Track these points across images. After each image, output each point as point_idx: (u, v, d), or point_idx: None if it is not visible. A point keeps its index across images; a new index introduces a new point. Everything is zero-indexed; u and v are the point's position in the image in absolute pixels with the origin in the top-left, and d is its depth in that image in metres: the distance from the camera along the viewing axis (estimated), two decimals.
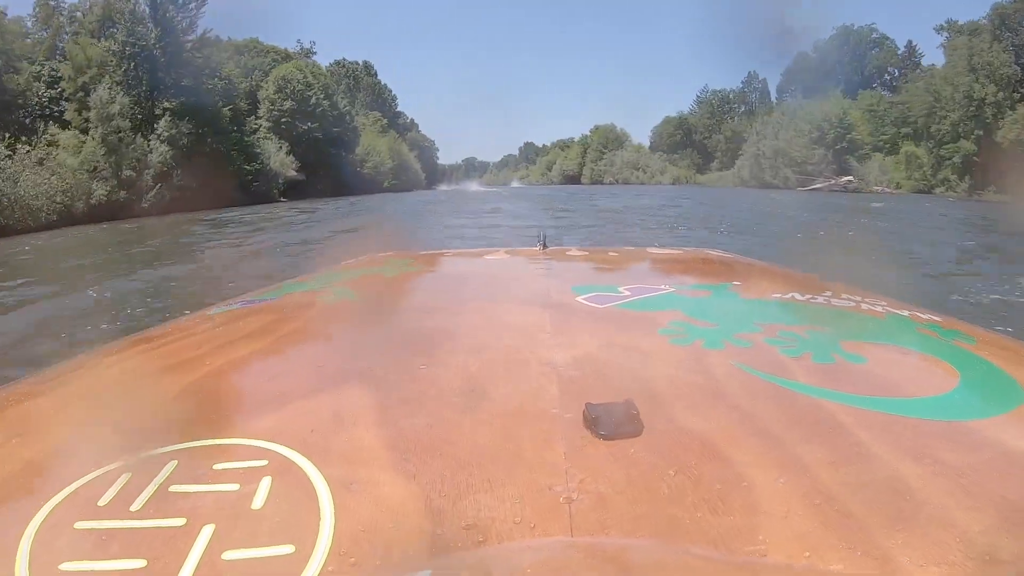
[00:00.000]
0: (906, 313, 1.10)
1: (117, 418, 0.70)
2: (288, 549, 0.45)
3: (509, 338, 0.94)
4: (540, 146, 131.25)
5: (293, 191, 38.58)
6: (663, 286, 1.27)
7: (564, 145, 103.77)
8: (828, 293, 1.18)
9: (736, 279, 1.46)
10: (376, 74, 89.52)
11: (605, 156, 79.56)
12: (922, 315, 1.10)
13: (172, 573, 0.43)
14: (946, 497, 0.50)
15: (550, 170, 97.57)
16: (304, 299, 1.34)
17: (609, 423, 0.60)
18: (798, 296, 1.16)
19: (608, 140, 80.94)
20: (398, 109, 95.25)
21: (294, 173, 39.66)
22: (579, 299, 1.11)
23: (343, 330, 1.09)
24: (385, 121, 64.50)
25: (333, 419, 0.64)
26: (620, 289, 1.20)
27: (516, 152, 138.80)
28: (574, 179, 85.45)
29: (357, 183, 45.58)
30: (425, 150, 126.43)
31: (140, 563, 0.44)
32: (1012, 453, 0.58)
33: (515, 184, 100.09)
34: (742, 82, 77.26)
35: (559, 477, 0.53)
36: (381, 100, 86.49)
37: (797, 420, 0.64)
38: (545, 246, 1.86)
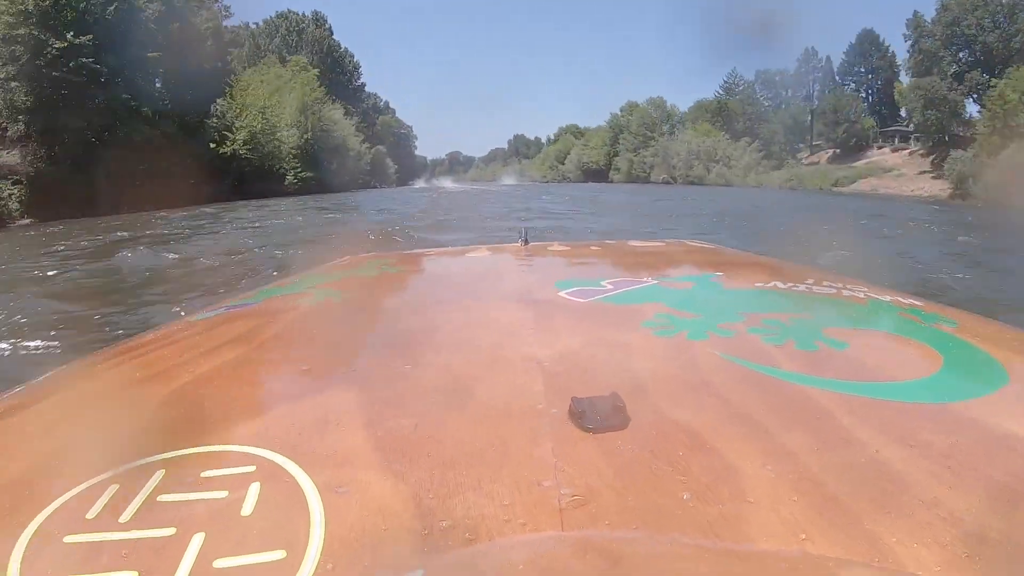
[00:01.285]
0: (887, 298, 1.11)
1: (102, 429, 0.70)
2: (279, 555, 0.45)
3: (493, 335, 0.95)
4: (532, 139, 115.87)
5: (55, 202, 15.32)
6: (646, 279, 1.30)
7: (578, 132, 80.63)
8: (810, 281, 1.20)
9: (718, 270, 1.47)
10: (331, 31, 65.51)
11: (653, 143, 56.23)
12: (903, 300, 1.10)
13: None
14: (932, 479, 0.51)
15: (562, 163, 74.25)
16: (286, 302, 1.34)
17: (595, 417, 0.60)
18: (780, 285, 1.18)
19: (653, 123, 57.80)
20: (362, 82, 71.37)
21: None
22: (562, 294, 1.12)
23: (326, 332, 1.07)
24: (314, 72, 39.70)
25: (319, 422, 0.64)
26: (603, 283, 1.21)
27: (505, 145, 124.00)
28: (598, 175, 62.59)
29: (215, 177, 22.21)
30: (401, 138, 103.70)
31: (132, 574, 0.44)
32: (996, 434, 0.59)
33: (508, 181, 77.54)
34: (797, 60, 56.06)
35: (547, 472, 0.53)
36: (334, 63, 62.71)
37: (782, 407, 0.64)
38: (527, 242, 1.85)
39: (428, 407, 0.67)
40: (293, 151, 34.01)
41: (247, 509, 0.49)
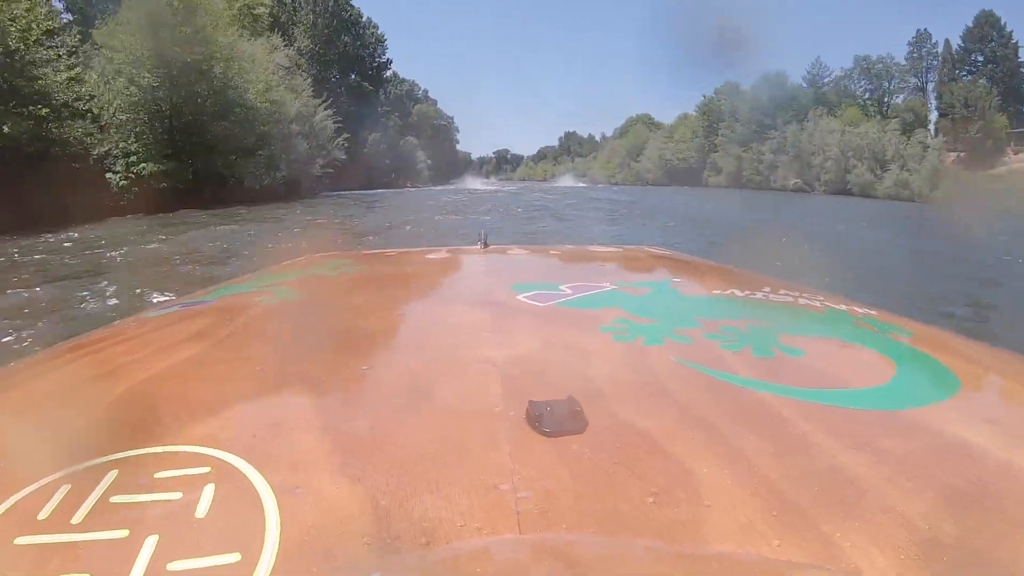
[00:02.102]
0: (843, 307, 1.11)
1: (54, 428, 0.68)
2: (234, 557, 0.44)
3: (451, 337, 0.96)
4: (586, 136, 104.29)
5: None
6: (604, 284, 1.28)
7: (651, 123, 65.34)
8: (767, 289, 1.19)
9: (676, 276, 1.47)
10: None
11: (771, 135, 40.59)
12: (859, 309, 1.11)
13: None
14: (887, 484, 0.52)
15: (636, 160, 59.13)
16: (243, 301, 1.31)
17: (553, 420, 0.60)
18: (737, 292, 1.18)
19: (771, 108, 42.15)
20: (387, 58, 57.85)
21: None
22: (520, 297, 1.12)
23: (283, 332, 1.06)
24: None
25: (275, 423, 0.64)
26: (561, 287, 1.20)
27: (555, 143, 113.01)
28: (687, 177, 47.44)
29: None
30: (441, 131, 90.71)
31: None
32: (949, 440, 0.60)
33: (565, 182, 63.49)
34: (909, 43, 44.94)
35: (505, 475, 0.53)
36: (344, 27, 49.53)
37: (739, 413, 0.65)
38: (486, 244, 1.84)
39: (385, 409, 0.67)
40: (122, 111, 16.09)
41: (201, 511, 0.49)
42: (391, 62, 54.93)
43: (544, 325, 0.97)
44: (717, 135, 46.27)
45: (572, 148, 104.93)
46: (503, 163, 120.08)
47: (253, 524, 0.47)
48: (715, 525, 0.47)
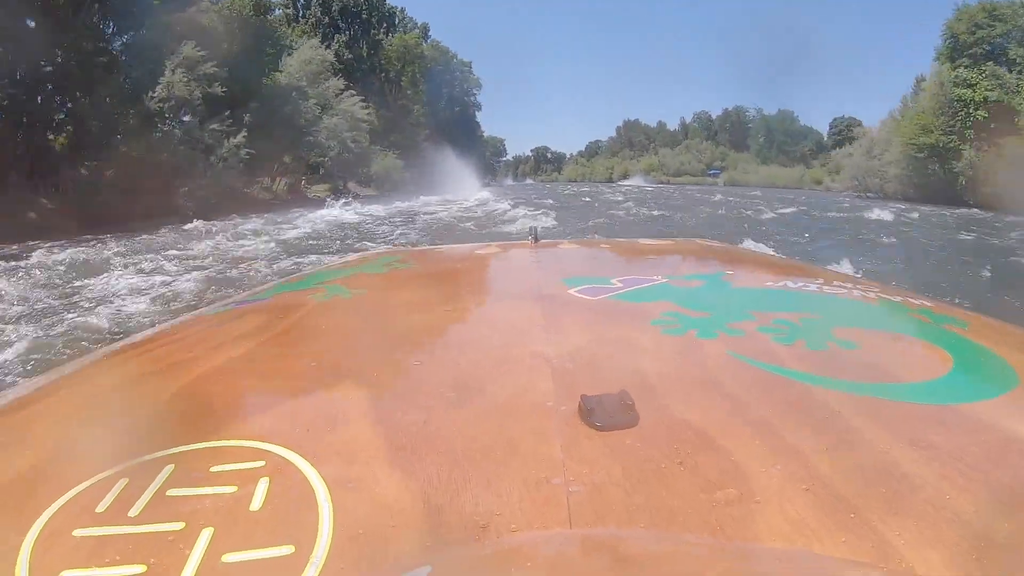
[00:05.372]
0: (898, 299, 1.11)
1: (112, 424, 0.70)
2: (288, 550, 0.45)
3: (502, 332, 0.96)
4: (654, 125, 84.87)
5: None
6: (655, 277, 1.27)
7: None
8: (820, 280, 1.19)
9: (729, 268, 1.45)
10: None
11: None
12: (914, 300, 1.11)
13: None
14: (941, 481, 0.51)
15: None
16: (296, 298, 1.32)
17: (604, 414, 0.59)
18: (790, 284, 1.17)
19: None
20: None
21: None
22: (571, 291, 1.12)
23: (335, 328, 1.07)
24: None
25: (328, 418, 0.64)
26: (612, 280, 1.20)
27: (605, 138, 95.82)
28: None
29: None
30: (448, 84, 49.37)
31: (140, 568, 0.44)
32: (1006, 436, 0.59)
33: (638, 181, 24.31)
34: None
35: (556, 469, 0.53)
36: None
37: (791, 407, 0.64)
38: (537, 239, 1.82)
39: (437, 403, 0.67)
40: None
41: (256, 504, 0.49)
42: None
43: (595, 319, 0.96)
44: None
45: (634, 140, 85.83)
46: (542, 161, 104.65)
47: (307, 517, 0.47)
48: (767, 521, 0.46)
